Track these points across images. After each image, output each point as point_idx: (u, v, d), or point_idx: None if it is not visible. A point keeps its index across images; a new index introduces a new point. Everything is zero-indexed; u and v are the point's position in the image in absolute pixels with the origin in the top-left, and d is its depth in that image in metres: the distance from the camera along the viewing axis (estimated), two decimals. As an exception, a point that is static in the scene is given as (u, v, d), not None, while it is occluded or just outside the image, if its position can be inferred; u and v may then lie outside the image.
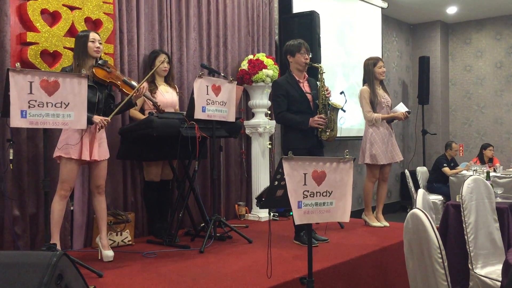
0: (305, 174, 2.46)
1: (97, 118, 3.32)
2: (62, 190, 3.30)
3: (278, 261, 3.31)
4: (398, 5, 7.95)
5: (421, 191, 2.54)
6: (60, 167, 3.32)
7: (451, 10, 8.32)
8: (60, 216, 3.30)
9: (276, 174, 2.53)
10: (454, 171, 6.90)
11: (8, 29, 3.52)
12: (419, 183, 7.08)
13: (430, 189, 7.02)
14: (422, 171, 7.25)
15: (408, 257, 2.15)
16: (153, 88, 4.20)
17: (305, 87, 4.00)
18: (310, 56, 4.00)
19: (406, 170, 7.10)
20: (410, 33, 9.26)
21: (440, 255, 1.88)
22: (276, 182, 2.55)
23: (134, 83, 3.59)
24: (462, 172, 6.72)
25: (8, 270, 1.72)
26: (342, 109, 3.98)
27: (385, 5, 7.73)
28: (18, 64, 2.87)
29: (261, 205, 2.69)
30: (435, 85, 8.98)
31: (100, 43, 3.45)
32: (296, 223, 2.48)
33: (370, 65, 4.65)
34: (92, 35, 3.43)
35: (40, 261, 1.72)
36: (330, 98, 3.99)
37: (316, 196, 2.47)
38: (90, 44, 3.39)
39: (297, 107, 3.91)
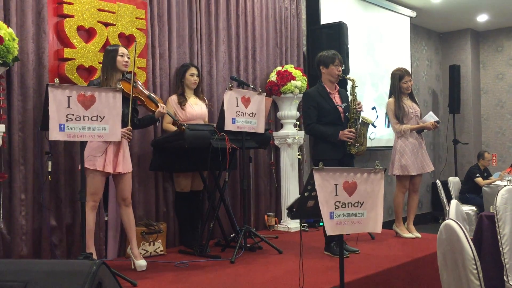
0: (336, 185, 2.48)
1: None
2: (92, 201, 3.39)
3: (309, 272, 3.31)
4: (427, 14, 7.89)
5: (454, 202, 2.51)
6: (87, 179, 3.40)
7: (482, 18, 8.21)
8: (93, 226, 3.40)
9: (307, 184, 2.55)
10: (487, 181, 6.77)
11: (46, 45, 3.66)
12: (451, 193, 6.95)
13: (463, 199, 6.89)
14: (454, 181, 7.12)
15: (442, 268, 2.14)
16: (182, 100, 4.28)
17: (336, 98, 4.00)
18: (343, 68, 4.01)
19: (437, 180, 6.99)
20: (439, 42, 9.17)
21: (474, 266, 1.86)
22: (307, 193, 2.57)
23: (157, 99, 3.67)
24: (495, 182, 6.58)
25: (50, 278, 1.79)
26: (373, 124, 3.96)
27: (413, 14, 7.69)
28: (57, 80, 2.98)
29: (292, 216, 2.72)
30: (466, 93, 8.84)
31: (128, 58, 3.54)
32: (328, 234, 2.49)
33: (396, 79, 4.62)
34: (121, 49, 3.53)
35: (80, 269, 1.79)
36: (361, 113, 3.98)
37: (348, 207, 2.48)
38: (119, 58, 3.49)
39: (328, 119, 3.92)
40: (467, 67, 8.87)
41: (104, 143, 3.36)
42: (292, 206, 2.74)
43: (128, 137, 3.44)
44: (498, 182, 6.56)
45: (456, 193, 7.04)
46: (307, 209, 2.64)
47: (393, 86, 4.65)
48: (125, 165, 3.49)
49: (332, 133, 3.88)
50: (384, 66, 7.14)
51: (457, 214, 2.44)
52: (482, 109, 9.13)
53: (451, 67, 8.65)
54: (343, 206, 2.48)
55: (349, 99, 4.01)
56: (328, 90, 3.98)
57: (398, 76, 4.62)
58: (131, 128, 3.46)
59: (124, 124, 3.44)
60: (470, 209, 6.58)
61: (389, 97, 4.72)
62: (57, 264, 1.91)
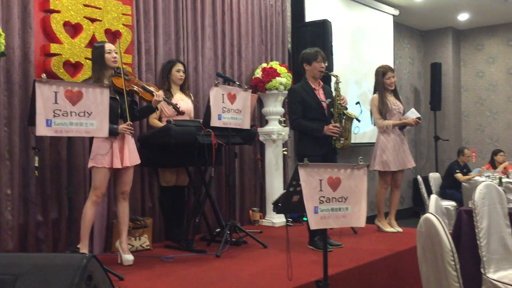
0: (320, 180, 2.54)
1: (121, 129, 3.42)
2: (94, 196, 3.42)
3: (294, 265, 3.35)
4: (410, 12, 8.01)
5: (433, 197, 2.60)
6: (92, 174, 3.44)
7: (463, 16, 8.36)
8: (91, 221, 3.42)
9: (292, 180, 2.62)
10: (466, 177, 6.92)
11: (32, 41, 3.65)
12: (432, 189, 7.09)
13: (443, 195, 7.03)
14: (434, 177, 7.27)
15: (422, 260, 2.22)
16: (168, 96, 4.31)
17: (320, 94, 4.08)
18: (326, 64, 4.08)
19: (418, 176, 7.13)
20: (421, 39, 9.32)
21: (452, 258, 1.95)
22: (292, 188, 2.64)
23: (152, 88, 3.70)
24: (474, 178, 6.74)
25: (41, 271, 1.83)
26: (357, 119, 4.05)
27: (396, 12, 7.80)
28: (44, 75, 3.00)
29: (278, 210, 2.78)
30: (447, 91, 9.01)
31: (116, 53, 3.53)
32: (311, 228, 2.55)
33: (379, 75, 4.72)
34: (108, 46, 3.52)
35: (71, 263, 1.83)
36: (346, 108, 4.06)
37: (332, 201, 2.55)
38: (107, 55, 3.48)
39: (313, 114, 3.99)
40: (448, 65, 9.04)
41: (108, 141, 3.38)
42: (277, 201, 2.80)
43: (130, 132, 3.47)
44: (477, 178, 6.71)
45: (437, 188, 7.19)
46: (292, 204, 2.70)
47: (377, 82, 4.75)
48: (132, 158, 3.54)
49: (317, 128, 3.96)
50: (368, 63, 7.24)
51: (437, 209, 2.53)
52: (463, 106, 9.32)
53: (432, 64, 8.80)
54: (328, 201, 2.55)
55: (333, 94, 4.09)
56: (313, 86, 4.06)
57: (381, 73, 4.72)
58: (131, 123, 3.49)
59: (124, 120, 3.47)
60: (450, 204, 6.73)
61: (374, 93, 4.82)
62: (48, 257, 1.94)
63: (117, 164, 3.42)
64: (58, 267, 1.83)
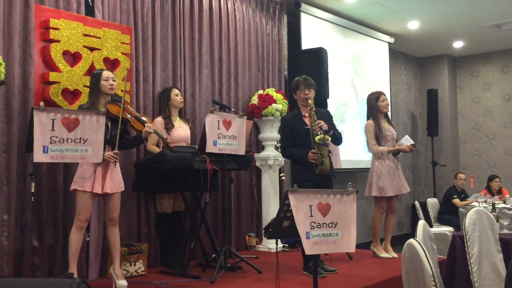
0: (310, 206, 2.58)
1: (106, 156, 3.46)
2: (78, 221, 3.45)
3: (287, 291, 3.39)
4: (405, 40, 8.16)
5: (421, 223, 2.64)
6: (76, 199, 3.49)
7: (458, 44, 8.51)
8: (77, 246, 3.45)
9: (283, 205, 2.66)
10: (464, 202, 6.94)
11: (32, 69, 3.75)
12: (430, 214, 7.11)
13: (441, 220, 7.04)
14: (432, 203, 7.29)
15: (406, 285, 2.25)
16: (170, 126, 4.36)
17: (311, 121, 4.15)
18: (313, 89, 4.11)
19: (416, 201, 7.15)
20: (417, 66, 9.45)
21: (434, 283, 1.98)
22: (282, 214, 2.68)
23: (145, 119, 3.77)
24: (472, 204, 6.76)
25: (32, 296, 1.86)
26: (325, 143, 3.94)
27: (392, 40, 7.94)
28: (42, 103, 3.08)
29: (269, 236, 2.82)
30: (444, 117, 9.09)
31: (113, 80, 3.62)
32: (306, 253, 2.58)
33: (373, 100, 4.81)
34: (105, 74, 3.60)
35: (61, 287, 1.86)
36: (319, 133, 4.00)
37: (322, 227, 2.58)
38: (103, 82, 3.57)
39: (301, 141, 4.04)
40: (445, 91, 9.15)
41: (92, 166, 3.44)
42: (268, 226, 2.84)
43: (114, 161, 3.50)
44: (474, 203, 6.73)
45: (435, 214, 7.20)
46: (283, 229, 2.74)
47: (371, 108, 4.82)
48: (113, 186, 3.54)
49: (302, 155, 4.00)
50: (364, 90, 7.34)
51: (424, 234, 2.57)
52: (460, 132, 9.39)
53: (429, 91, 8.91)
54: (318, 226, 2.59)
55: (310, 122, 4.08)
56: (303, 114, 4.13)
57: (375, 97, 4.81)
58: (118, 152, 3.53)
59: (112, 146, 3.53)
60: (447, 229, 6.73)
61: (367, 119, 4.89)
62: (39, 282, 1.97)
63: (98, 189, 3.45)
64: (48, 292, 1.86)
